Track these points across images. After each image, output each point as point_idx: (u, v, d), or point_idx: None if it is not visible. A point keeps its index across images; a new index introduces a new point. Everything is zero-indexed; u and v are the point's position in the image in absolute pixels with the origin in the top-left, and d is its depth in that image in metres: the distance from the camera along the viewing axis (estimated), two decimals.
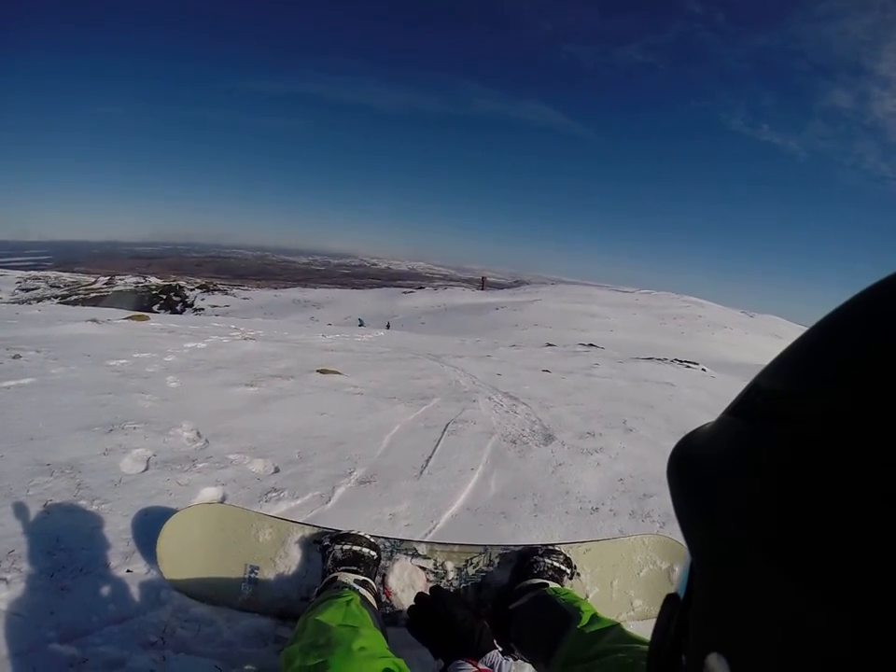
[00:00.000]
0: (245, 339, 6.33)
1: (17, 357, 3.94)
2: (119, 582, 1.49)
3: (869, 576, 0.23)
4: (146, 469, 2.18)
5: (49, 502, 1.80)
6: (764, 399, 0.34)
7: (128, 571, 1.54)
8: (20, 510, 1.74)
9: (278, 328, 9.06)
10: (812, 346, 0.33)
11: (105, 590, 1.46)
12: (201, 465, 2.26)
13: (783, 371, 0.34)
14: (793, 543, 0.26)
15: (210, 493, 2.07)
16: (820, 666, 0.24)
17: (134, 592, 1.47)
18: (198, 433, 2.64)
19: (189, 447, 2.47)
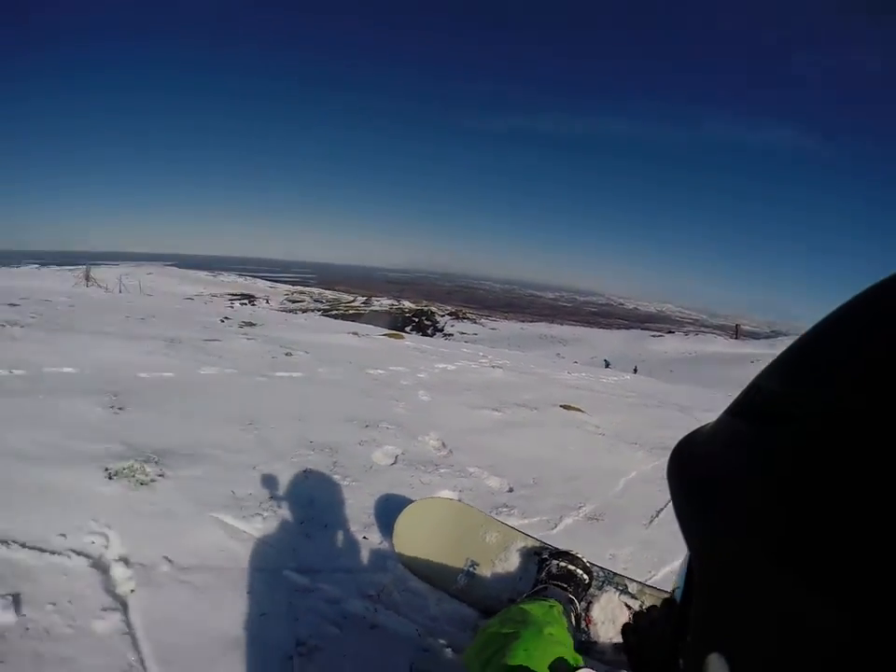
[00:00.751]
0: (493, 367, 6.92)
1: (289, 354, 5.09)
2: (354, 544, 1.93)
3: (870, 575, 0.24)
4: (394, 463, 2.70)
5: (308, 469, 2.38)
6: (765, 398, 0.36)
7: (364, 538, 1.97)
8: (284, 469, 2.35)
9: (524, 360, 9.57)
10: (812, 346, 0.36)
11: (342, 545, 1.91)
12: (443, 470, 2.71)
13: (783, 371, 0.37)
14: (794, 542, 0.28)
15: (447, 496, 2.45)
16: (820, 666, 0.26)
17: (364, 555, 1.89)
18: (443, 443, 3.13)
19: (433, 453, 2.97)
